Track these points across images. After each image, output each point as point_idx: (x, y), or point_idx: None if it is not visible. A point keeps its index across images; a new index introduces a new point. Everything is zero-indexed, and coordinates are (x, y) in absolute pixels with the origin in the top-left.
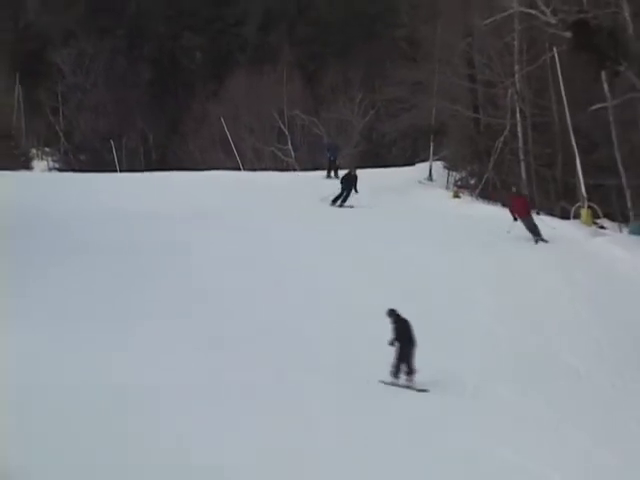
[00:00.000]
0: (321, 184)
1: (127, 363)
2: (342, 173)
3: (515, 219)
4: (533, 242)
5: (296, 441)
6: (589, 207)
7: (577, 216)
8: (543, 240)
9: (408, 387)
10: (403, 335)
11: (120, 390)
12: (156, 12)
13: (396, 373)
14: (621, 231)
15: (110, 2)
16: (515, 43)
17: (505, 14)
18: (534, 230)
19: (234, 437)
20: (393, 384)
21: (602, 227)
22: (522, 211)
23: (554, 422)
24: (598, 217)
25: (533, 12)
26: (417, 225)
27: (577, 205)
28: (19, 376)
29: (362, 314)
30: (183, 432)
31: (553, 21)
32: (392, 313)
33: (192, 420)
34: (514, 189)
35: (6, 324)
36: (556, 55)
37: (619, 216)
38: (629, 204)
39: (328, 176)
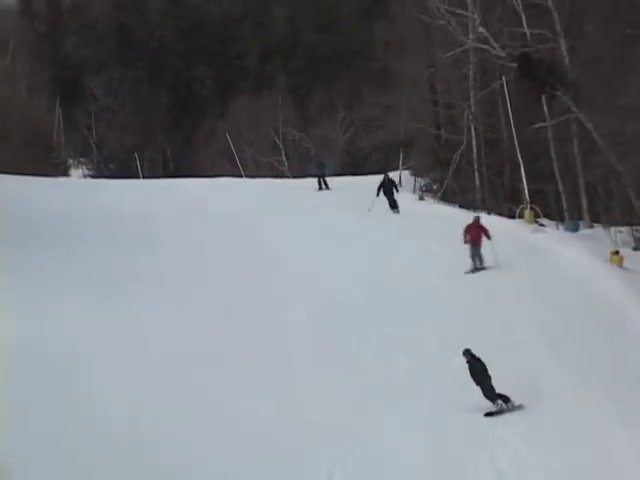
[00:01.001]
0: (309, 189)
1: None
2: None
3: (465, 242)
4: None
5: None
6: (531, 208)
7: (521, 216)
8: (482, 269)
9: (510, 409)
10: (479, 374)
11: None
12: (173, 48)
13: (494, 400)
14: (558, 228)
15: (135, 39)
16: (470, 73)
17: (462, 49)
18: (477, 259)
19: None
20: (498, 412)
21: (542, 225)
22: (476, 239)
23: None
24: (539, 217)
25: (485, 47)
26: (389, 221)
27: (521, 207)
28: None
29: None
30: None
31: (502, 54)
32: (467, 353)
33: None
34: (478, 216)
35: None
36: (504, 83)
37: (556, 216)
38: (564, 206)
39: (320, 189)
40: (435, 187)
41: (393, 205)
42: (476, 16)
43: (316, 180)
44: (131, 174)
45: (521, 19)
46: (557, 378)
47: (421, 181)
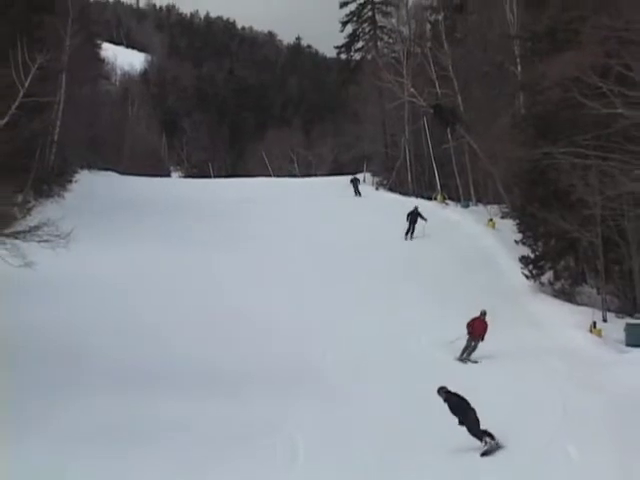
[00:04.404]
0: (309, 184)
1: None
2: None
3: (469, 333)
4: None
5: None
6: (441, 194)
7: (435, 198)
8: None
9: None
10: (458, 410)
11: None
12: (230, 101)
13: (481, 438)
14: (457, 206)
15: (208, 96)
16: (405, 115)
17: (400, 101)
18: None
19: None
20: (487, 452)
21: (447, 204)
22: (478, 333)
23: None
24: (446, 199)
25: (414, 100)
26: (355, 203)
27: (435, 193)
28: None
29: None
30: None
31: (424, 104)
32: (441, 391)
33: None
34: (485, 311)
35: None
36: (425, 121)
37: (456, 199)
38: (461, 192)
39: (355, 194)
40: (385, 182)
41: (410, 231)
42: (409, 82)
43: (353, 189)
44: (206, 175)
45: (435, 83)
46: (456, 291)
47: (377, 179)
